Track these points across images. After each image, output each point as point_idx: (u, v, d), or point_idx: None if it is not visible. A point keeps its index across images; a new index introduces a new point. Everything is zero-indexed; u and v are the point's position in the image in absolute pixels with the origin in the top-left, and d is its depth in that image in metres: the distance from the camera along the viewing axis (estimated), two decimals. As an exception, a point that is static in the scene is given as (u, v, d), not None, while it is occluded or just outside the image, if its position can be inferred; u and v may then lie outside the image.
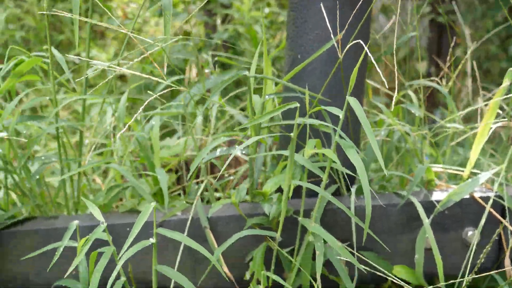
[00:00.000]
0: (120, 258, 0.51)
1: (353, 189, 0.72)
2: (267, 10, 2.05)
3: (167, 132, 1.41)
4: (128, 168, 0.78)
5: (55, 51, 0.71)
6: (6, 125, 0.67)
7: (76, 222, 0.59)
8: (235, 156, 0.91)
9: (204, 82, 1.00)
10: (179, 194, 0.91)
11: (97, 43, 1.98)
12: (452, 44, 0.97)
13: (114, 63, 0.67)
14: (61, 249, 0.58)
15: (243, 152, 0.73)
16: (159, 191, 0.82)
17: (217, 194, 0.86)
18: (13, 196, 0.81)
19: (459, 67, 0.92)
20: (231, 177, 0.88)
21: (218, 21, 1.98)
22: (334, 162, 0.56)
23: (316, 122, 0.58)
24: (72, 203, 0.78)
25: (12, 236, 0.68)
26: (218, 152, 0.71)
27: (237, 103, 1.70)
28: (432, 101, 2.44)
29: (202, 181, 0.79)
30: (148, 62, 1.79)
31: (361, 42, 0.61)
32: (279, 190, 0.66)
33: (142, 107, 0.63)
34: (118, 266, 0.51)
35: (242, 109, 1.51)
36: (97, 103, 1.24)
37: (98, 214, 0.53)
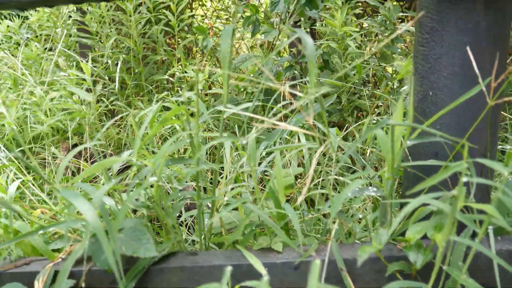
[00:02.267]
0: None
1: (490, 231, 0.69)
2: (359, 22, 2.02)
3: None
4: (260, 207, 0.80)
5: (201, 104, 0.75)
6: (155, 169, 0.72)
7: (229, 268, 0.62)
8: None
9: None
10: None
11: (189, 61, 2.07)
12: None
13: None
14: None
15: (377, 194, 0.72)
16: (284, 226, 0.84)
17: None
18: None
19: None
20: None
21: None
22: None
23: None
24: (205, 238, 0.82)
25: (160, 272, 0.73)
26: (350, 194, 0.71)
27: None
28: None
29: (334, 221, 0.80)
30: (240, 79, 1.84)
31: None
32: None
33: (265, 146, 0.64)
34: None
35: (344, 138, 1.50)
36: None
37: (259, 266, 0.56)
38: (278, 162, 0.88)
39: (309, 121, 0.60)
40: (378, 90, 1.83)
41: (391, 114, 1.62)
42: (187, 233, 1.13)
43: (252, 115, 0.69)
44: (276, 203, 0.83)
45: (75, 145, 1.87)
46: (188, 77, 2.04)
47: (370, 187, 0.74)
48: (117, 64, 2.03)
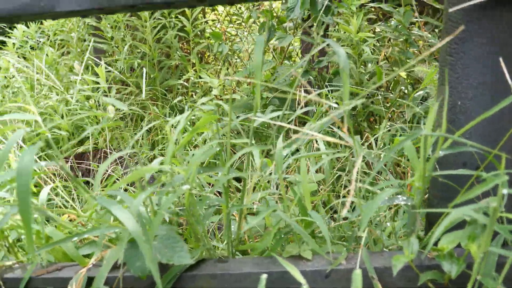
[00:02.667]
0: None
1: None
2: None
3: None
4: (289, 214, 0.81)
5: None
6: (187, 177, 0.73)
7: (265, 276, 0.63)
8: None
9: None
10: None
11: (204, 66, 2.08)
12: None
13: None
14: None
15: (408, 203, 0.73)
16: (311, 233, 0.84)
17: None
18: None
19: None
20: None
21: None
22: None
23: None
24: (232, 245, 0.83)
25: (192, 279, 0.73)
26: (381, 203, 0.72)
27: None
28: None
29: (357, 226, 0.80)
30: (255, 84, 1.85)
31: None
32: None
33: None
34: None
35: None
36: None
37: (297, 275, 0.56)
38: (303, 169, 0.88)
39: (344, 130, 0.61)
40: (391, 95, 1.84)
41: (407, 120, 1.62)
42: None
43: (284, 124, 0.70)
44: (302, 210, 0.83)
45: (80, 154, 1.89)
46: (202, 82, 2.05)
47: (399, 196, 0.74)
48: (132, 70, 2.05)
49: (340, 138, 1.30)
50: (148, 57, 2.08)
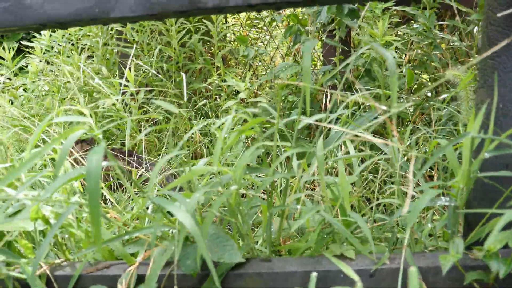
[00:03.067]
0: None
1: None
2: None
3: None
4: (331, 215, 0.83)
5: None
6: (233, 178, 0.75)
7: (315, 274, 0.64)
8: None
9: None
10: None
11: (228, 70, 2.11)
12: None
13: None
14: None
15: (451, 204, 0.74)
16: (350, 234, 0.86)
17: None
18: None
19: None
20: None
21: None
22: None
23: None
24: (272, 245, 0.85)
25: (239, 277, 0.75)
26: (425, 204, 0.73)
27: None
28: None
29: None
30: (281, 87, 1.87)
31: None
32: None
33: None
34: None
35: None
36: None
37: (351, 273, 0.58)
38: (342, 170, 0.90)
39: (395, 132, 0.62)
40: (414, 97, 1.84)
41: (432, 122, 1.62)
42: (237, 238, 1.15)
43: (330, 125, 0.72)
44: (342, 211, 0.85)
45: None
46: (225, 85, 2.07)
47: (442, 197, 0.75)
48: (158, 74, 2.08)
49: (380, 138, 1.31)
50: (172, 61, 2.11)
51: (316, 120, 0.78)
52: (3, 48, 2.24)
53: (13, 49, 2.27)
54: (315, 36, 1.90)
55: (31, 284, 0.72)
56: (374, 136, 1.68)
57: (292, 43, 1.75)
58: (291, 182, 1.04)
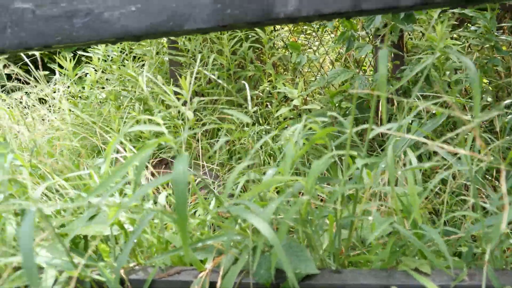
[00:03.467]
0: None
1: None
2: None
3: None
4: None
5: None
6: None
7: (395, 288, 0.63)
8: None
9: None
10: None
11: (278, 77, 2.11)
12: None
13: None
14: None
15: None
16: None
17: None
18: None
19: None
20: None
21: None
22: None
23: None
24: (338, 256, 0.84)
25: (310, 288, 0.74)
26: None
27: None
28: None
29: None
30: (332, 94, 1.85)
31: None
32: None
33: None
34: None
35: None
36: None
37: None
38: (411, 181, 0.87)
39: (481, 143, 0.60)
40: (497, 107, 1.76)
41: (498, 130, 1.55)
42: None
43: (399, 134, 0.70)
44: (412, 223, 0.82)
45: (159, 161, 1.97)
46: (275, 92, 2.08)
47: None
48: (209, 81, 2.11)
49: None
50: (224, 68, 2.14)
51: (388, 129, 0.76)
52: (64, 58, 2.36)
53: (72, 59, 2.38)
54: (368, 42, 1.87)
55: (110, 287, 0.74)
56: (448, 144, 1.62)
57: (345, 49, 1.72)
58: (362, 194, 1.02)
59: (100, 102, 2.36)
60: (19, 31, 0.85)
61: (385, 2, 0.68)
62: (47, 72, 3.05)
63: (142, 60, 2.84)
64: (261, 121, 2.10)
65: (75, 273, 0.66)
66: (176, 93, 2.13)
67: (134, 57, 2.84)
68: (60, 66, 2.55)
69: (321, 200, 1.38)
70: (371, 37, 2.19)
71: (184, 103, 2.05)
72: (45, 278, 0.68)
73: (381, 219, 0.77)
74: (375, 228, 0.90)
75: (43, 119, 2.12)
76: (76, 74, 2.36)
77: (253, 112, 2.08)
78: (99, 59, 2.46)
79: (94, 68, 2.54)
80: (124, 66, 2.57)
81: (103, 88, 2.44)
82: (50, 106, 2.45)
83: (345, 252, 0.84)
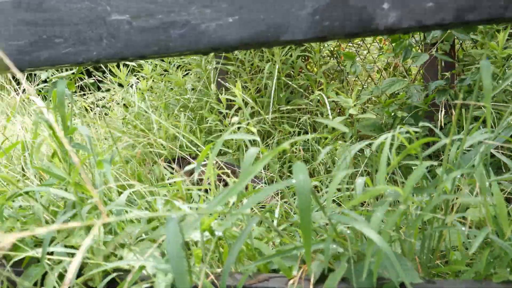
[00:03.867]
0: None
1: None
2: None
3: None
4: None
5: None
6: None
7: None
8: None
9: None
10: None
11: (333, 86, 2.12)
12: None
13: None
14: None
15: None
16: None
17: None
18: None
19: None
20: None
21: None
22: None
23: None
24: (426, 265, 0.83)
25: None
26: None
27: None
28: None
29: None
30: (386, 104, 1.85)
31: None
32: None
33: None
34: None
35: None
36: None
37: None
38: (497, 191, 0.86)
39: None
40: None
41: None
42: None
43: (492, 142, 0.69)
44: (501, 233, 0.81)
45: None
46: (323, 101, 2.09)
47: None
48: (259, 90, 2.14)
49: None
50: (273, 77, 2.17)
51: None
52: (118, 67, 2.43)
53: (126, 68, 2.46)
54: (426, 52, 1.86)
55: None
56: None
57: (402, 59, 1.72)
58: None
59: (145, 111, 2.42)
60: (116, 42, 0.89)
61: (489, 13, 0.69)
62: (92, 80, 3.16)
63: (187, 70, 2.90)
64: (309, 130, 2.11)
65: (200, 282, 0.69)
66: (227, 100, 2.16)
67: (178, 66, 2.90)
68: (113, 75, 2.64)
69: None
70: (421, 46, 2.18)
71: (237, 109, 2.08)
72: (157, 283, 0.71)
73: (479, 232, 0.76)
74: (460, 238, 0.90)
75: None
76: (129, 84, 2.43)
77: (304, 120, 2.09)
78: (149, 68, 2.53)
79: (143, 76, 2.61)
80: (170, 74, 2.63)
81: (155, 94, 2.50)
82: (95, 113, 2.53)
83: (433, 262, 0.84)
